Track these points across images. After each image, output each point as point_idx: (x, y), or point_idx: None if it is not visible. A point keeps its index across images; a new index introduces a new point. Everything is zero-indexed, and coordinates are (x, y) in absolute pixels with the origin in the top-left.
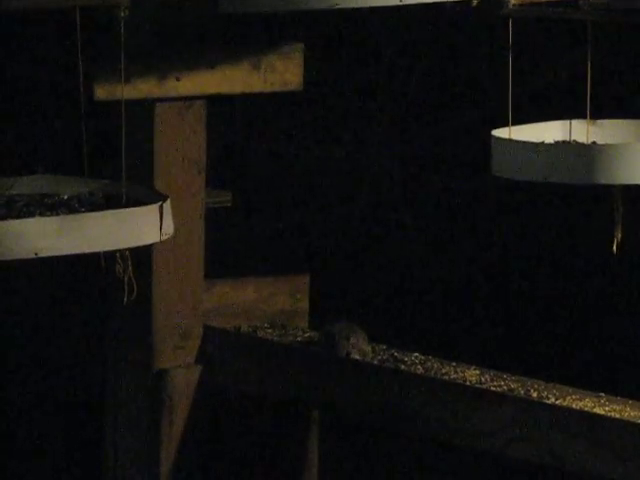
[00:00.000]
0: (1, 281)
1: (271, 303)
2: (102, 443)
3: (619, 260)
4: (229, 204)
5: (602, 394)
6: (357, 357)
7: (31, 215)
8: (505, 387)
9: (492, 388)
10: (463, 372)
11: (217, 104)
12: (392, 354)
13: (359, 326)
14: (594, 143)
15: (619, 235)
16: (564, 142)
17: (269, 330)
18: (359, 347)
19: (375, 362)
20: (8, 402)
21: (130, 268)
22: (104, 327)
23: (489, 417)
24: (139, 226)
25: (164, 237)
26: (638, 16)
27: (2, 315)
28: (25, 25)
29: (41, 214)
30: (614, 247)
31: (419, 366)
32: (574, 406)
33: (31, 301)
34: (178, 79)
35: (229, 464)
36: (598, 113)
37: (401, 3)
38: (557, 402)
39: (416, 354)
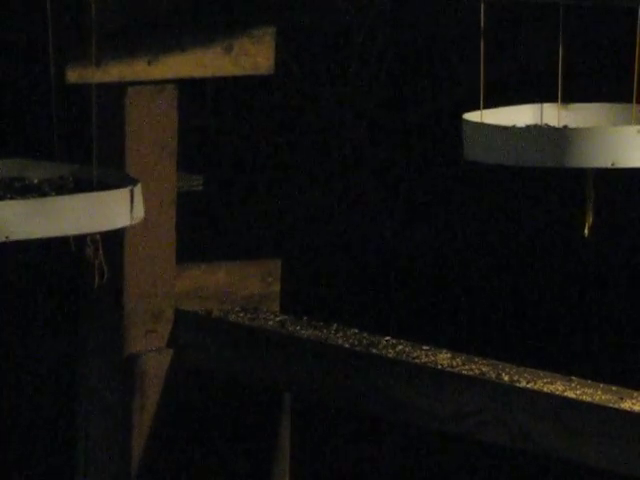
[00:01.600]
0: None
1: (243, 287)
2: (73, 427)
3: (591, 243)
4: (200, 188)
5: (573, 378)
6: None
7: (1, 199)
8: (476, 371)
9: (463, 372)
10: (434, 356)
11: (189, 87)
12: (363, 338)
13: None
14: (565, 127)
15: (590, 219)
16: (535, 126)
17: (241, 314)
18: None
19: (346, 346)
20: None
21: (101, 252)
22: (75, 311)
23: (460, 401)
24: (110, 210)
25: (135, 221)
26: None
27: None
28: None
29: (11, 198)
30: (585, 231)
31: (390, 349)
32: (545, 389)
33: (1, 286)
34: (149, 62)
35: (201, 448)
36: (569, 97)
37: None
38: (528, 386)
39: (387, 338)
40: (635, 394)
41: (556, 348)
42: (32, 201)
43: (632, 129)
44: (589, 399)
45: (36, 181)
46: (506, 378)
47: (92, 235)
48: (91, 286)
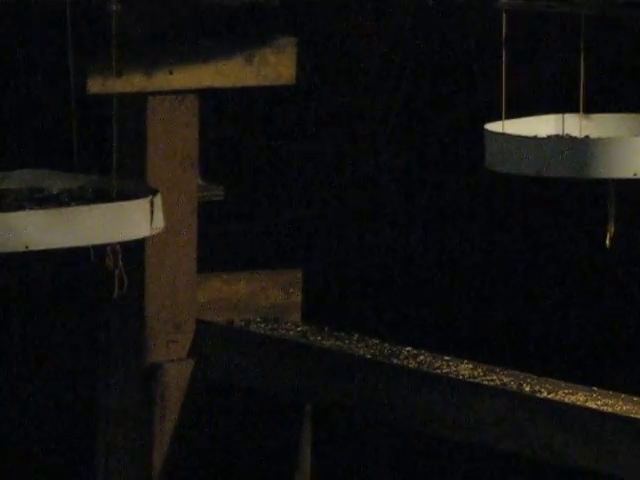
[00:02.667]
0: None
1: (264, 297)
2: (94, 436)
3: (612, 253)
4: (221, 198)
5: (594, 388)
6: None
7: (21, 209)
8: (498, 381)
9: (485, 382)
10: (456, 366)
11: (210, 98)
12: (385, 348)
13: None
14: (587, 137)
15: (612, 229)
16: (557, 136)
17: (262, 324)
18: None
19: (368, 356)
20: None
21: (121, 262)
22: (96, 321)
23: (482, 411)
24: (130, 220)
25: (155, 231)
26: (630, 10)
27: None
28: (17, 20)
29: (31, 208)
30: (607, 240)
31: (411, 360)
32: (566, 400)
33: (22, 295)
34: (171, 73)
35: (222, 457)
36: (591, 107)
37: None
38: (550, 396)
39: (408, 348)
40: None
41: (578, 359)
42: (52, 211)
43: None
44: (610, 410)
45: (56, 192)
46: (527, 389)
47: (112, 245)
48: (112, 296)
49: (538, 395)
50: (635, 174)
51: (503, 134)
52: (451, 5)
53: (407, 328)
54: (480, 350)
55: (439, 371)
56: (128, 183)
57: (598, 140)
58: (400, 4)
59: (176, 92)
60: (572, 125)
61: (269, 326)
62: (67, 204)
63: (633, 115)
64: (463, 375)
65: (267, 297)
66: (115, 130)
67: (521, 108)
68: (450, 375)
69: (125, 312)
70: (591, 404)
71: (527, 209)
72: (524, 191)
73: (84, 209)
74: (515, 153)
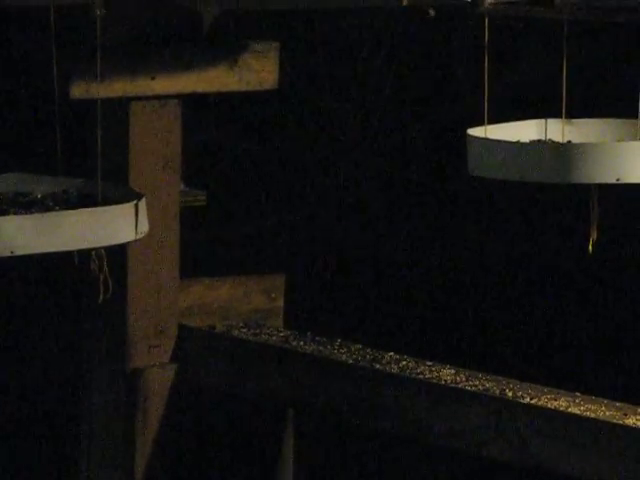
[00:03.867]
0: None
1: (246, 302)
2: (76, 442)
3: (595, 259)
4: (204, 203)
5: (577, 394)
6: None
7: (5, 214)
8: (480, 386)
9: (467, 387)
10: (438, 372)
11: (192, 103)
12: (367, 353)
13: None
14: (569, 142)
15: (594, 234)
16: (540, 141)
17: (244, 329)
18: None
19: (350, 361)
20: None
21: (105, 267)
22: (78, 326)
23: (464, 416)
24: (115, 225)
25: (139, 236)
26: (613, 15)
27: None
28: (0, 24)
29: (15, 213)
30: (589, 246)
31: (394, 365)
32: (549, 405)
33: (4, 300)
34: (153, 78)
35: (204, 462)
36: (573, 112)
37: None
38: (532, 401)
39: (391, 353)
40: (639, 410)
41: (560, 364)
42: (36, 216)
43: (637, 144)
44: (593, 415)
45: (40, 196)
46: (510, 394)
47: (97, 250)
48: (95, 301)
49: (521, 400)
50: (618, 179)
51: (485, 139)
52: (435, 10)
53: (390, 333)
54: (462, 355)
55: (422, 376)
56: (113, 187)
57: (581, 145)
58: (383, 9)
59: (159, 97)
60: (555, 130)
61: (251, 331)
62: (51, 208)
63: (616, 120)
64: (446, 380)
65: (249, 302)
66: (99, 135)
67: (504, 113)
68: (432, 380)
69: (107, 317)
70: (574, 409)
71: (509, 215)
72: (506, 197)
73: (69, 214)
74: (497, 158)
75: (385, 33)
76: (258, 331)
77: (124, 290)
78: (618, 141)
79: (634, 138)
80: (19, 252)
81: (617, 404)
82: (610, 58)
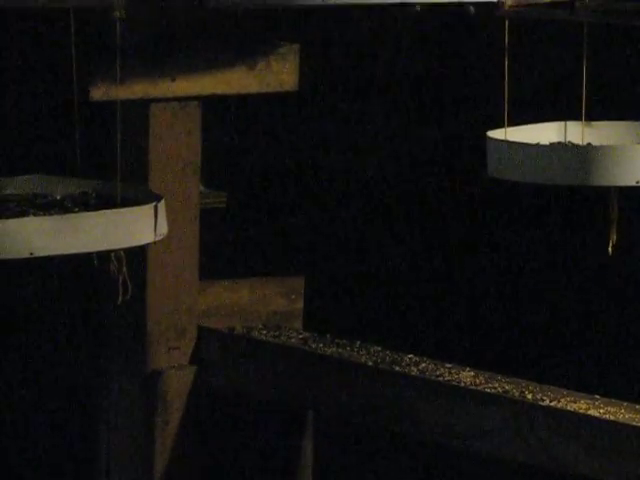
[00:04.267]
0: None
1: (266, 304)
2: (95, 443)
3: (615, 261)
4: (223, 205)
5: (597, 396)
6: None
7: (24, 215)
8: (499, 389)
9: (486, 390)
10: (458, 373)
11: (212, 104)
12: (387, 355)
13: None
14: (589, 144)
15: (614, 236)
16: (559, 143)
17: (264, 331)
18: None
19: (370, 363)
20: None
21: (125, 268)
22: (98, 327)
23: (484, 418)
24: (134, 226)
25: (158, 237)
26: (633, 18)
27: None
28: (21, 25)
29: (34, 214)
30: (609, 248)
31: (413, 367)
32: (569, 408)
33: (25, 301)
34: (173, 80)
35: (223, 464)
36: (593, 114)
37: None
38: (552, 404)
39: (410, 355)
40: None
41: (580, 366)
42: (56, 217)
43: None
44: (612, 417)
45: (59, 197)
46: (529, 396)
47: (116, 251)
48: (114, 302)
49: (540, 403)
50: (638, 182)
51: (505, 141)
52: (453, 12)
53: (409, 335)
54: (482, 357)
55: (441, 379)
56: (132, 189)
57: (600, 148)
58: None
59: (178, 99)
60: (574, 132)
61: (271, 333)
62: (70, 209)
63: (636, 123)
64: (465, 382)
65: (269, 304)
66: (118, 136)
67: (524, 115)
68: (452, 382)
69: (127, 318)
70: (593, 412)
71: (529, 217)
72: (526, 199)
73: (89, 215)
74: (517, 161)
75: (404, 35)
76: (278, 333)
77: (144, 291)
78: (638, 144)
79: None
80: (38, 253)
81: (637, 406)
82: (630, 60)
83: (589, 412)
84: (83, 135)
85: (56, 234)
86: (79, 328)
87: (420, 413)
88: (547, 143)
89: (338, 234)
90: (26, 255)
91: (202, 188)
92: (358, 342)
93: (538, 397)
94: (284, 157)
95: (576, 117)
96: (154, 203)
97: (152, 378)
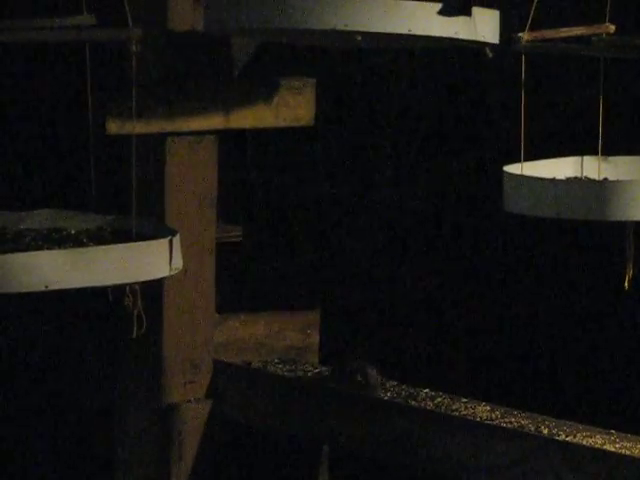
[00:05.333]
0: (11, 314)
1: (281, 338)
2: (112, 476)
3: (631, 296)
4: (240, 239)
5: (613, 431)
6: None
7: (39, 249)
8: (516, 423)
9: (503, 424)
10: (474, 408)
11: (228, 139)
12: (402, 390)
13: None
14: (606, 179)
15: (631, 271)
16: (576, 178)
17: (279, 365)
18: (373, 381)
19: (385, 398)
20: (18, 437)
21: (140, 302)
22: (114, 361)
23: (499, 453)
24: (149, 260)
25: (173, 271)
26: None
27: (12, 349)
28: (37, 59)
29: (49, 248)
30: (625, 284)
31: (429, 402)
32: (585, 443)
33: (40, 334)
34: (190, 114)
35: None
36: (610, 150)
37: (410, 32)
38: (568, 439)
39: (426, 390)
40: None
41: (596, 402)
42: (71, 251)
43: None
44: (628, 452)
45: (74, 232)
46: (545, 431)
47: (131, 285)
48: (130, 336)
49: (556, 437)
50: None
51: (521, 176)
52: (470, 47)
53: (426, 369)
54: (497, 392)
55: (457, 413)
56: (146, 223)
57: (616, 182)
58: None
59: (195, 133)
60: (591, 167)
61: (287, 367)
62: (85, 244)
63: None
64: (481, 417)
65: (285, 338)
66: (134, 170)
67: (541, 150)
68: (468, 417)
69: (142, 352)
70: (609, 447)
71: (545, 253)
72: (542, 234)
73: (104, 249)
74: (533, 195)
75: (421, 69)
76: (293, 367)
77: (160, 325)
78: None
79: None
80: (53, 287)
81: None
82: None
83: (605, 447)
84: (99, 170)
85: (71, 268)
86: (94, 362)
87: (435, 448)
88: (563, 178)
89: (354, 267)
90: (41, 289)
91: (218, 222)
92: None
93: (554, 432)
94: (300, 191)
95: (593, 152)
96: (169, 237)
97: (168, 412)
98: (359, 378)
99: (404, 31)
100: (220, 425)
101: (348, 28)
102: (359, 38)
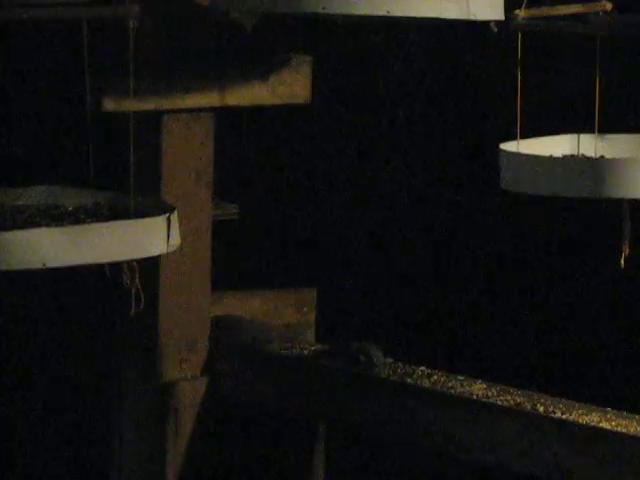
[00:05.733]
0: (9, 291)
1: (278, 316)
2: (108, 453)
3: (627, 273)
4: (236, 216)
5: (608, 409)
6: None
7: (37, 226)
8: (512, 401)
9: (498, 402)
10: (470, 386)
11: (225, 116)
12: (398, 367)
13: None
14: (602, 157)
15: (627, 249)
16: (572, 156)
17: (276, 343)
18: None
19: (382, 375)
20: (14, 411)
21: (137, 279)
22: (110, 338)
23: (495, 431)
24: (146, 237)
25: (171, 248)
26: None
27: (9, 325)
28: (34, 36)
29: (47, 225)
30: (621, 261)
31: (425, 380)
32: (580, 421)
33: (38, 311)
34: (186, 91)
35: (234, 475)
36: (606, 127)
37: (388, 14)
38: (563, 417)
39: (422, 368)
40: None
41: (592, 379)
42: (68, 228)
43: None
44: (624, 430)
45: (71, 208)
46: (541, 409)
47: (129, 262)
48: (127, 313)
49: (552, 415)
50: None
51: (518, 154)
52: (466, 25)
53: (421, 347)
54: (494, 370)
55: (453, 391)
56: (144, 200)
57: (613, 160)
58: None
59: (191, 110)
60: (587, 145)
61: (283, 345)
62: (83, 221)
63: None
64: (477, 395)
65: (281, 316)
66: (132, 147)
67: (537, 128)
68: (464, 395)
69: (139, 330)
70: (605, 425)
71: (541, 230)
72: (539, 212)
73: (102, 226)
74: (530, 173)
75: (417, 46)
76: (289, 345)
77: (156, 303)
78: None
79: None
80: (51, 264)
81: None
82: None
83: (601, 425)
84: (96, 146)
85: (69, 245)
86: (90, 340)
87: (431, 425)
88: (560, 156)
89: (350, 245)
90: (39, 266)
91: (214, 199)
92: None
93: (550, 410)
94: (296, 169)
95: (590, 130)
96: (167, 214)
97: (164, 390)
98: (363, 358)
99: (382, 13)
100: (216, 403)
101: (326, 11)
102: (339, 21)
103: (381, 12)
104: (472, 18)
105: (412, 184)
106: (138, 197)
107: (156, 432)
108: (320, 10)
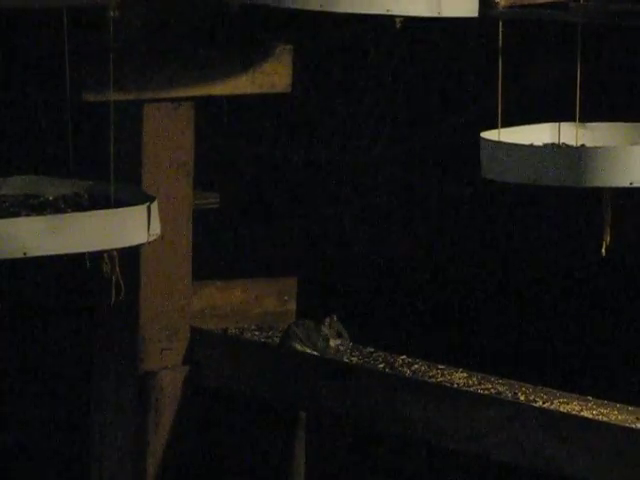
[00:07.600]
0: None
1: (258, 305)
2: (88, 443)
3: (607, 262)
4: (217, 206)
5: (589, 397)
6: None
7: (17, 216)
8: (493, 390)
9: (480, 391)
10: (450, 375)
11: (205, 105)
12: (379, 356)
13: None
14: (583, 146)
15: (608, 237)
16: (553, 145)
17: (256, 332)
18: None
19: (363, 364)
20: None
21: (118, 269)
22: (90, 328)
23: (477, 420)
24: (127, 227)
25: (151, 238)
26: (627, 19)
27: None
28: (13, 25)
29: (27, 215)
30: (602, 249)
31: (406, 369)
32: (561, 409)
33: (16, 301)
34: (167, 81)
35: (216, 465)
36: (587, 116)
37: (388, 13)
38: (545, 405)
39: (403, 357)
40: None
41: (573, 367)
42: (49, 217)
43: None
44: (605, 419)
45: (51, 198)
46: (522, 398)
47: (109, 252)
48: (107, 303)
49: (533, 404)
50: (631, 183)
51: (499, 142)
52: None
53: (402, 337)
54: (475, 359)
55: (434, 380)
56: (124, 189)
57: (594, 149)
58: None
59: (172, 100)
60: (568, 134)
61: (264, 334)
62: (63, 210)
63: (629, 124)
64: (458, 384)
65: (261, 305)
66: (112, 137)
67: (517, 116)
68: (445, 384)
69: (119, 319)
70: (586, 413)
71: (522, 219)
72: (520, 201)
73: (82, 215)
74: (511, 161)
75: (399, 37)
76: (270, 334)
77: (136, 292)
78: (631, 145)
79: None
80: (32, 253)
81: (630, 408)
82: (624, 61)
83: (582, 413)
84: (76, 136)
85: (49, 234)
86: (70, 330)
87: (412, 414)
88: (541, 144)
89: (331, 234)
90: (20, 255)
91: (195, 189)
92: (350, 343)
93: (531, 398)
94: (277, 158)
95: (570, 118)
96: (147, 204)
97: (145, 379)
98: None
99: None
100: (197, 392)
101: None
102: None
103: (380, 11)
104: (437, 15)
105: (394, 172)
106: (118, 186)
107: (136, 421)
108: (317, 8)
